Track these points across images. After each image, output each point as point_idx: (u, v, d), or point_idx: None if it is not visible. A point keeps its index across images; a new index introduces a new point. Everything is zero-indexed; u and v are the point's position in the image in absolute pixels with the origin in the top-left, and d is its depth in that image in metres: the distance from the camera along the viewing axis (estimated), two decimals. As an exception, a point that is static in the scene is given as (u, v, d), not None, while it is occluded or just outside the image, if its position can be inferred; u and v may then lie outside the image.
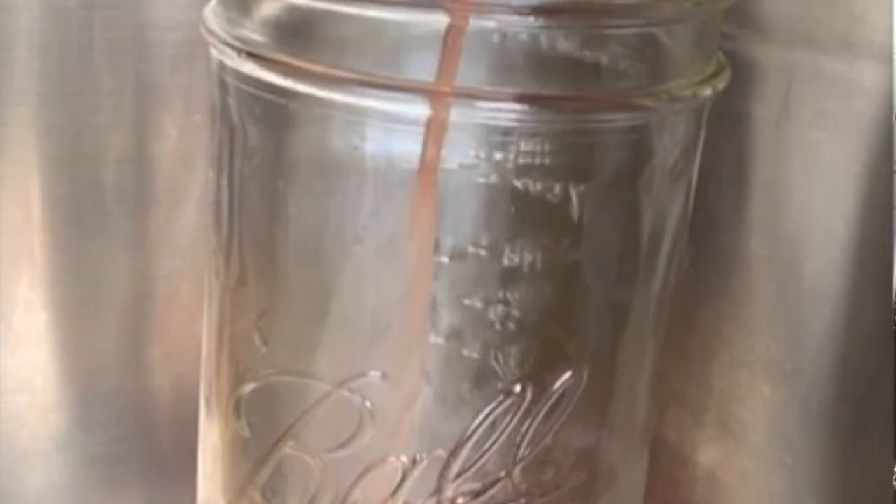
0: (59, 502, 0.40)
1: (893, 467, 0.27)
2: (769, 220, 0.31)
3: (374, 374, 0.26)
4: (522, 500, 0.27)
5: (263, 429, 0.28)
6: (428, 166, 0.24)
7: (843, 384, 0.30)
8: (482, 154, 0.25)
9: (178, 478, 0.40)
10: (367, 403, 0.27)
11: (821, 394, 0.30)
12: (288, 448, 0.28)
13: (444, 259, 0.26)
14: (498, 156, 0.25)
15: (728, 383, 0.33)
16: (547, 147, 0.25)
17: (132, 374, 0.39)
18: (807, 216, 0.30)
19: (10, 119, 0.35)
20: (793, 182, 0.30)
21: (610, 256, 0.27)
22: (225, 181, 0.28)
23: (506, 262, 0.26)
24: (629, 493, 0.30)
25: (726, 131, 0.31)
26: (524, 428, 0.27)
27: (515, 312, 0.26)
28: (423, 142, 0.25)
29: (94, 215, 0.37)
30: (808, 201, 0.30)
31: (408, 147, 0.26)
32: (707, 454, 0.34)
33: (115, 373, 0.39)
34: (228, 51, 0.26)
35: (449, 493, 0.27)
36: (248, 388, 0.28)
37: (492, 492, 0.27)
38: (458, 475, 0.27)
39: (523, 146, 0.25)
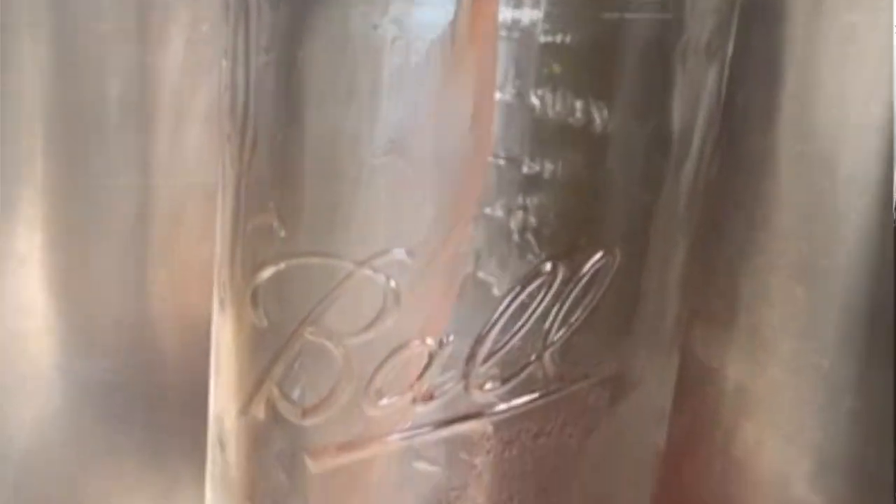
0: (58, 431, 0.38)
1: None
2: (802, 113, 0.30)
3: (399, 252, 0.25)
4: (553, 387, 0.26)
5: (281, 317, 0.27)
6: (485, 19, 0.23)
7: (882, 277, 0.28)
8: (505, 28, 0.24)
9: (183, 408, 0.38)
10: (392, 283, 0.25)
11: (859, 290, 0.29)
12: (308, 335, 0.26)
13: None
14: (525, 21, 0.24)
15: (758, 289, 0.32)
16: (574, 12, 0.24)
17: (136, 298, 0.38)
18: (842, 104, 0.29)
19: (7, 22, 0.34)
20: (827, 70, 0.29)
21: (641, 138, 0.26)
22: (241, 66, 0.27)
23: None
24: (657, 394, 0.29)
25: (756, 24, 0.30)
26: (555, 310, 0.26)
27: (544, 188, 0.25)
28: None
29: (96, 129, 0.36)
30: (844, 88, 0.29)
31: (431, 18, 0.25)
32: (736, 366, 0.33)
33: (118, 296, 0.38)
34: None
35: (477, 378, 0.26)
36: (266, 274, 0.27)
37: (521, 377, 0.26)
38: (487, 359, 0.26)
39: (549, 9, 0.24)
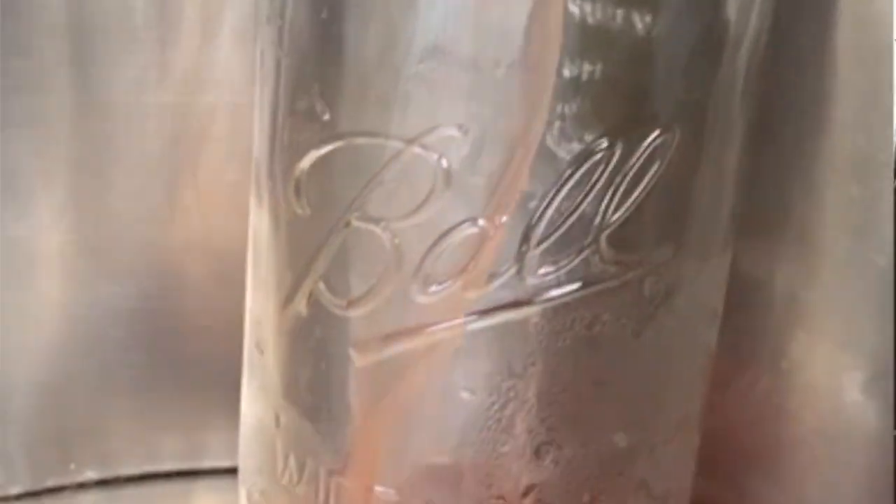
0: (81, 359, 0.37)
1: None
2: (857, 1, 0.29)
3: (452, 128, 0.24)
4: (608, 273, 0.25)
5: (325, 206, 0.26)
6: None
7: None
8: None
9: (210, 333, 0.37)
10: (443, 161, 0.24)
11: (917, 182, 0.28)
12: (354, 221, 0.25)
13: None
14: None
15: (810, 191, 0.31)
16: None
17: (161, 220, 0.37)
18: (901, -11, 0.28)
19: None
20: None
21: (699, 15, 0.25)
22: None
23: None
24: (710, 292, 0.28)
25: None
26: (611, 190, 0.25)
27: (598, 68, 0.24)
28: None
29: (121, 44, 0.35)
30: (903, -28, 0.28)
31: None
32: (785, 274, 0.32)
33: (145, 218, 0.37)
34: None
35: (530, 262, 0.25)
36: (309, 161, 0.26)
37: (576, 261, 0.25)
38: (541, 242, 0.25)
39: None
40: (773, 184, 0.31)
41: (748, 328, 0.33)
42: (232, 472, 0.36)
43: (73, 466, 0.38)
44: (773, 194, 0.31)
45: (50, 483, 0.38)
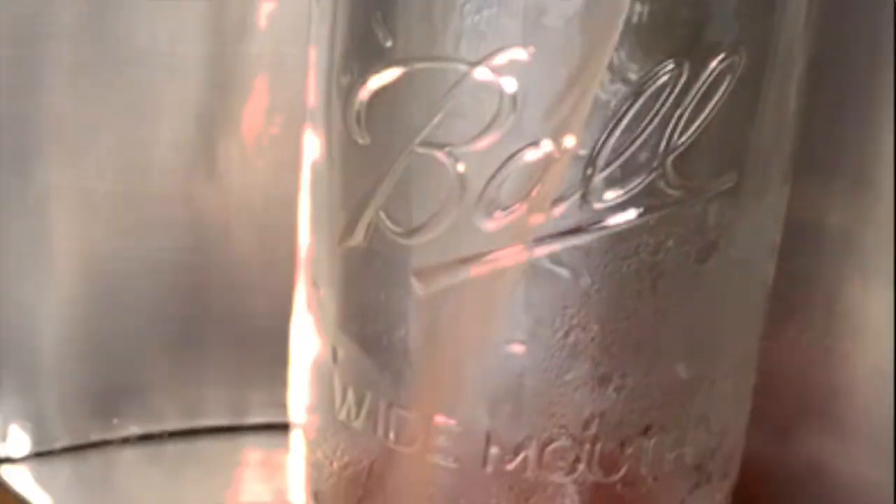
0: (124, 315, 0.37)
1: None
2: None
3: (517, 49, 0.24)
4: (673, 198, 0.25)
5: (387, 134, 0.26)
6: None
7: None
8: None
9: (256, 289, 0.37)
10: (509, 84, 0.24)
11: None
12: (417, 147, 0.25)
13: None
14: None
15: (864, 129, 0.31)
16: None
17: (207, 172, 0.37)
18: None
19: None
20: None
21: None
22: None
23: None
24: (770, 224, 0.28)
25: None
26: (678, 112, 0.25)
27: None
28: None
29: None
30: None
31: None
32: (840, 214, 0.32)
33: (188, 171, 0.37)
34: None
35: (596, 186, 0.25)
36: (370, 89, 0.26)
37: (642, 186, 0.25)
38: (607, 165, 0.25)
39: None
40: (828, 123, 0.31)
41: (802, 270, 0.32)
42: (275, 427, 0.36)
43: (116, 421, 0.38)
44: (828, 133, 0.31)
45: (93, 438, 0.38)
